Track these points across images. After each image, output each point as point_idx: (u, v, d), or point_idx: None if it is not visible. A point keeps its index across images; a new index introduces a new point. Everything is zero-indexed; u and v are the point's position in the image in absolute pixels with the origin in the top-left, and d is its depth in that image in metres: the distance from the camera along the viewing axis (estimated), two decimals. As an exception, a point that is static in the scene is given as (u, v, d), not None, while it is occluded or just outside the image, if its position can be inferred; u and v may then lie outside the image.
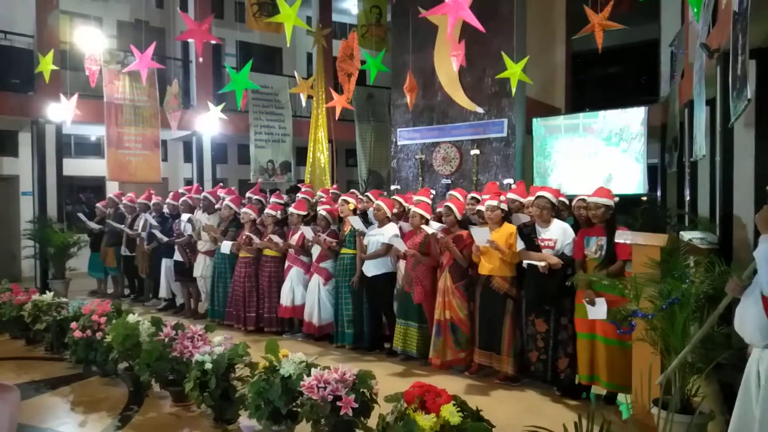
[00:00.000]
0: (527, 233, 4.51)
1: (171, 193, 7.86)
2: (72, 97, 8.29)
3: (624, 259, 4.03)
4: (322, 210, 5.94)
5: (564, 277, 4.27)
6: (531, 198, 4.72)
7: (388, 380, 4.54)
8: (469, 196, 5.52)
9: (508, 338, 4.58)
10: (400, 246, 5.11)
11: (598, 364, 4.09)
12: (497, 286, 4.61)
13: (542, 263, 4.25)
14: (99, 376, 4.87)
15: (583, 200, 4.54)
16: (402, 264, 5.36)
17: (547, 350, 4.38)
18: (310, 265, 6.06)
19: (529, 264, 4.39)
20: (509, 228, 4.65)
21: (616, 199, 4.30)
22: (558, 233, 4.39)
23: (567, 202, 4.91)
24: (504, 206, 4.74)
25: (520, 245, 4.50)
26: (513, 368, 4.59)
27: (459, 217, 4.98)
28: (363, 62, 8.26)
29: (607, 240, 4.11)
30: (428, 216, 5.23)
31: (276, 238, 6.14)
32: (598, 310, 3.99)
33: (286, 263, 6.20)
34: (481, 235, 4.56)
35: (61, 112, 8.59)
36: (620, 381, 4.01)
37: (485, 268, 4.67)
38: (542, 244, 4.41)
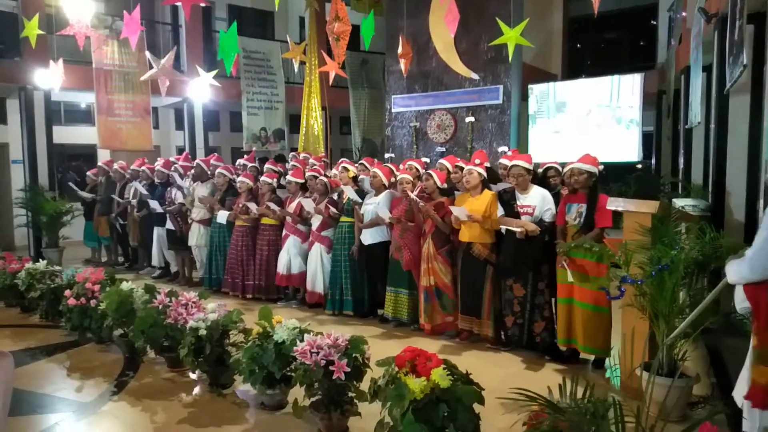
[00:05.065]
0: (507, 199, 4.55)
1: (161, 161, 7.76)
2: (57, 62, 8.12)
3: (602, 227, 4.09)
4: (323, 177, 5.91)
5: (542, 243, 4.32)
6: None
7: (381, 345, 4.61)
8: (458, 164, 5.50)
9: (488, 303, 4.64)
10: (384, 215, 5.13)
11: (575, 327, 4.18)
12: (477, 253, 4.65)
13: (519, 229, 4.28)
14: (94, 343, 4.91)
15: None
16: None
17: (523, 314, 4.45)
18: (307, 234, 6.06)
19: (507, 230, 4.41)
20: (489, 195, 4.67)
21: (601, 167, 4.30)
22: (537, 200, 4.42)
23: (560, 168, 4.90)
24: (481, 170, 4.74)
25: (500, 212, 4.54)
26: (494, 332, 4.67)
27: (440, 184, 4.98)
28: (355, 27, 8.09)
29: (587, 207, 4.14)
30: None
31: (273, 206, 6.13)
32: (568, 275, 4.08)
33: (284, 232, 6.20)
34: (459, 213, 4.58)
35: (49, 78, 8.42)
36: (595, 344, 4.13)
37: (465, 234, 4.71)
38: (521, 211, 4.44)
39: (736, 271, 2.28)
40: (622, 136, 8.61)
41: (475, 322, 4.74)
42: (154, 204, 7.25)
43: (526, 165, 4.47)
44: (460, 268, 4.80)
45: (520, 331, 4.48)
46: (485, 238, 4.64)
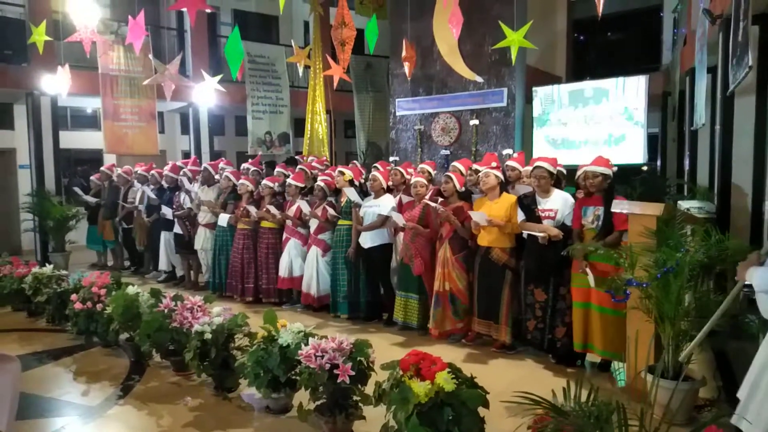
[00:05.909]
0: (527, 204, 4.48)
1: (169, 165, 7.81)
2: (64, 67, 8.18)
3: (621, 230, 4.00)
4: (320, 181, 5.93)
5: (564, 247, 4.26)
6: (530, 168, 4.69)
7: (387, 349, 4.61)
8: (473, 167, 5.48)
9: (506, 308, 4.62)
10: (399, 220, 5.11)
11: (592, 332, 4.12)
12: (496, 257, 4.62)
13: (542, 234, 4.24)
14: (100, 347, 4.94)
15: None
16: (401, 236, 5.36)
17: (545, 319, 4.41)
18: (308, 237, 6.08)
19: (529, 235, 4.38)
20: (509, 199, 4.64)
21: (615, 168, 4.26)
22: (559, 203, 4.36)
23: (565, 171, 4.88)
24: (498, 173, 4.72)
25: (520, 216, 4.49)
26: (510, 337, 4.65)
27: (459, 187, 4.95)
28: (359, 30, 8.13)
29: (604, 210, 4.08)
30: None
31: (273, 209, 6.15)
32: (590, 280, 4.03)
33: (284, 235, 6.23)
34: (479, 218, 4.54)
35: (55, 83, 8.49)
36: (614, 349, 4.05)
37: (484, 239, 4.68)
38: (543, 215, 4.38)
39: None
40: (627, 138, 8.58)
41: (493, 326, 4.71)
42: (167, 210, 7.27)
43: (550, 168, 4.40)
44: (478, 273, 4.76)
45: (542, 335, 4.44)
46: (504, 242, 4.61)
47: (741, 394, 2.34)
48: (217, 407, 3.74)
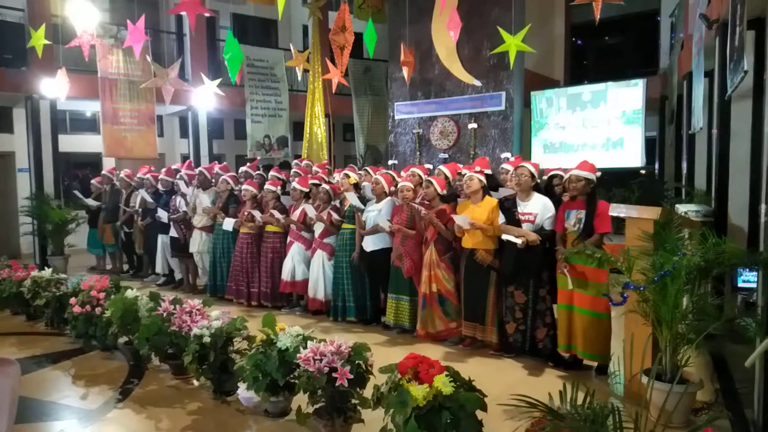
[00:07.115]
0: (508, 207, 4.53)
1: (164, 169, 7.82)
2: (62, 71, 8.19)
3: (601, 233, 4.11)
4: (325, 185, 5.94)
5: (543, 251, 4.32)
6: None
7: (386, 353, 4.62)
8: (460, 171, 5.52)
9: (492, 309, 4.65)
10: (384, 224, 5.15)
11: (575, 333, 4.19)
12: (481, 259, 4.65)
13: (520, 240, 4.28)
14: (99, 351, 4.93)
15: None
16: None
17: (525, 321, 4.45)
18: (311, 241, 6.09)
19: (507, 238, 4.42)
20: (491, 202, 4.68)
21: (599, 173, 4.31)
22: (538, 207, 4.42)
23: (564, 175, 4.90)
24: (481, 177, 4.76)
25: (501, 219, 4.54)
26: (498, 338, 4.67)
27: (440, 191, 4.99)
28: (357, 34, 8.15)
29: (586, 213, 4.15)
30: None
31: (277, 214, 6.16)
32: (568, 281, 4.12)
33: (288, 239, 6.23)
34: (462, 221, 4.59)
35: (54, 87, 8.51)
36: (594, 350, 4.14)
37: (469, 241, 4.72)
38: (522, 218, 4.43)
39: None
40: (625, 142, 8.61)
41: (479, 328, 4.74)
42: (162, 213, 7.27)
43: (533, 170, 4.48)
44: (463, 275, 4.80)
45: (523, 337, 4.48)
46: (488, 244, 4.65)
47: None
48: (215, 411, 3.74)
